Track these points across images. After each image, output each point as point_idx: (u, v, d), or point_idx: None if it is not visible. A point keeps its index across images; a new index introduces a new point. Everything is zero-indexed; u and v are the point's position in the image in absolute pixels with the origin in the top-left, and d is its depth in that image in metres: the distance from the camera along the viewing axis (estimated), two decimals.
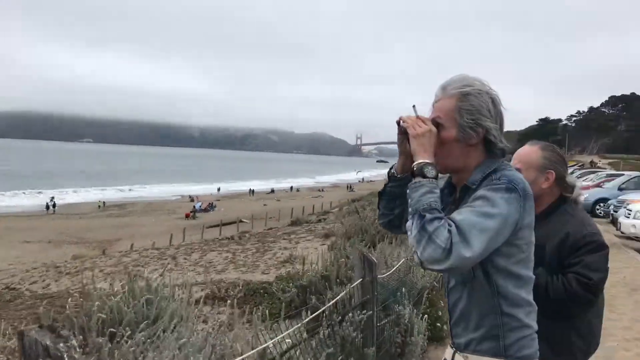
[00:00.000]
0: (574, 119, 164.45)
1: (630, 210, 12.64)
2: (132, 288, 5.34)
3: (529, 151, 2.59)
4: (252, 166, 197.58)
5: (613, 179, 24.10)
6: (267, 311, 5.30)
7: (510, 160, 2.45)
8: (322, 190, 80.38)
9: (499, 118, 1.85)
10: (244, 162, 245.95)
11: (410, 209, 1.71)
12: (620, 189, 20.74)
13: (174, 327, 4.88)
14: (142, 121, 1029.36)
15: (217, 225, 35.50)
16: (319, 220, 24.98)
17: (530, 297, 1.84)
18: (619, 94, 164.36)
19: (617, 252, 11.99)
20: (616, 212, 15.09)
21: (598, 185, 24.55)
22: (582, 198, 2.62)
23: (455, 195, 1.94)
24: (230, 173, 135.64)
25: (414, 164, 1.77)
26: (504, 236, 1.70)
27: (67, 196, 68.51)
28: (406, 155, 1.90)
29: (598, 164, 63.19)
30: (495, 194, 1.70)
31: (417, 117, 1.84)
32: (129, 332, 4.41)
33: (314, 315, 3.61)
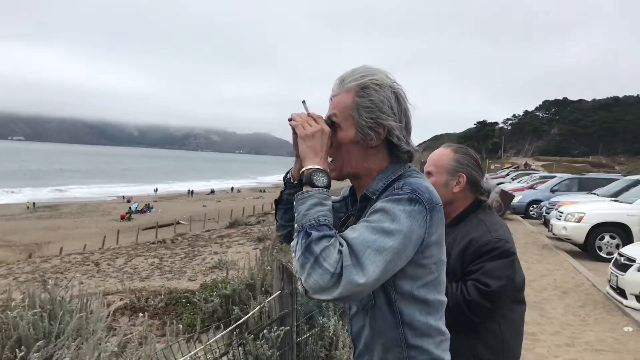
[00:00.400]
0: (510, 122, 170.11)
1: (562, 212, 12.80)
2: (32, 301, 4.88)
3: (441, 153, 2.42)
4: (192, 166, 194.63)
5: (546, 181, 24.67)
6: (180, 326, 4.95)
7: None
8: (264, 191, 79.67)
9: (403, 116, 1.58)
10: (184, 162, 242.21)
11: (295, 225, 1.42)
12: (552, 190, 21.21)
13: (77, 346, 4.45)
14: (77, 118, 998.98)
15: (153, 227, 34.48)
16: (258, 222, 24.54)
17: (442, 324, 1.58)
18: (552, 99, 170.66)
19: (548, 254, 12.15)
20: (548, 213, 15.33)
21: (532, 187, 25.11)
22: (495, 203, 2.40)
23: (357, 205, 1.66)
24: (169, 173, 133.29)
25: (302, 170, 1.49)
26: (407, 256, 1.43)
27: None
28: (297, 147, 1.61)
29: (532, 166, 65.23)
30: (395, 206, 1.42)
31: (308, 114, 1.56)
32: (23, 352, 3.98)
33: (224, 332, 3.27)
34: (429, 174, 2.38)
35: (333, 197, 1.87)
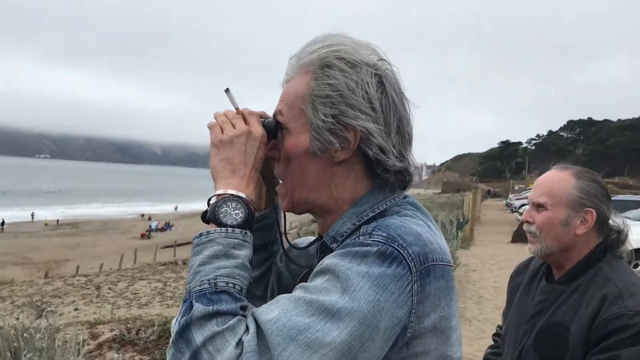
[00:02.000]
0: (533, 142, 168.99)
1: None
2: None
3: (559, 178, 1.70)
4: (212, 185, 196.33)
5: None
6: None
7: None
8: None
9: (391, 113, 0.94)
10: (206, 181, 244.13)
11: (187, 288, 0.87)
12: None
13: None
14: (102, 137, 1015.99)
15: (172, 246, 34.25)
16: None
17: None
18: (577, 119, 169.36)
19: None
20: None
21: None
22: (629, 249, 1.70)
23: (319, 255, 1.02)
24: (191, 191, 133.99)
25: (212, 195, 0.92)
26: (372, 356, 0.81)
27: (19, 213, 66.03)
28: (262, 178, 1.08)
29: None
30: (353, 266, 0.82)
31: (237, 110, 0.97)
32: None
33: None
34: (539, 206, 1.70)
35: (303, 240, 1.23)
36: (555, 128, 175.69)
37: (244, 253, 0.87)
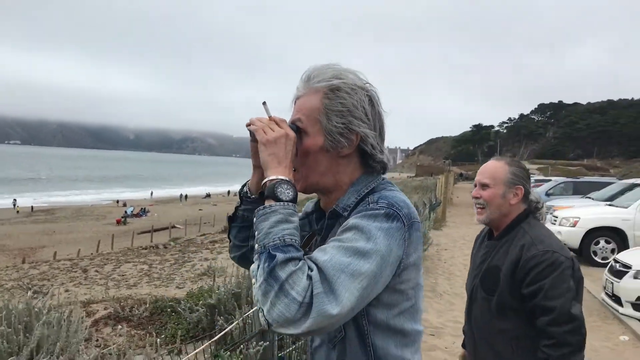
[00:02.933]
0: (505, 125, 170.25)
1: (556, 217, 12.69)
2: (8, 312, 4.72)
3: (497, 166, 2.41)
4: (189, 170, 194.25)
5: (541, 185, 24.54)
6: (157, 339, 4.79)
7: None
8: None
9: (378, 121, 1.41)
10: (181, 166, 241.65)
11: (256, 246, 1.21)
12: (547, 194, 21.06)
13: (56, 359, 4.30)
14: (74, 122, 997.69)
15: (149, 231, 34.31)
16: None
17: (418, 358, 1.41)
18: (548, 102, 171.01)
19: None
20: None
21: None
22: (542, 213, 2.41)
23: (323, 222, 1.48)
24: (166, 177, 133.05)
25: (264, 181, 1.29)
26: (384, 280, 1.25)
27: None
28: (262, 169, 1.42)
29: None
30: (370, 223, 1.24)
31: (270, 118, 1.37)
32: None
33: (197, 351, 3.13)
34: (484, 185, 2.38)
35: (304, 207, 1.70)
36: (526, 111, 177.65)
37: (296, 219, 1.26)
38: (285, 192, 1.25)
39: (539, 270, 2.09)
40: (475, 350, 2.37)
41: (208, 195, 77.73)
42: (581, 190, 19.72)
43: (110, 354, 4.33)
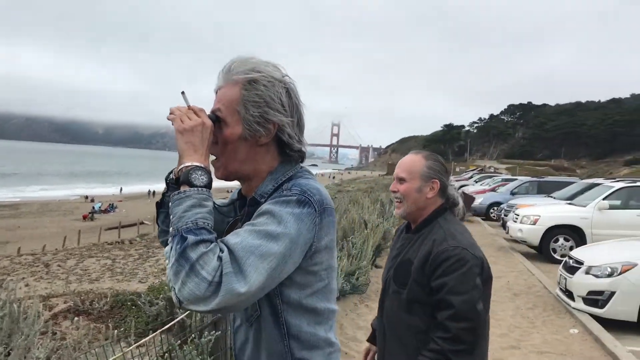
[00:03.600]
0: (476, 125, 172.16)
1: (518, 215, 12.97)
2: None
3: (413, 160, 2.39)
4: (159, 165, 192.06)
5: (507, 184, 25.00)
6: (115, 331, 4.82)
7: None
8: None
9: (295, 112, 1.48)
10: (151, 161, 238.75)
11: (171, 229, 1.29)
12: (512, 193, 21.48)
13: (9, 351, 4.30)
14: (41, 116, 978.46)
15: (116, 227, 33.89)
16: None
17: (332, 335, 1.50)
18: (517, 103, 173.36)
19: (504, 256, 12.31)
20: (506, 216, 15.52)
21: (493, 190, 25.43)
22: (459, 208, 2.41)
23: (245, 210, 1.55)
24: (135, 172, 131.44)
25: (180, 167, 1.36)
26: (294, 262, 1.33)
27: None
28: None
29: (485, 168, 66.93)
30: (282, 209, 1.33)
31: (188, 107, 1.43)
32: None
33: (146, 339, 3.18)
34: (401, 179, 2.36)
35: (221, 201, 1.74)
36: (496, 112, 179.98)
37: (210, 203, 1.33)
38: (200, 178, 1.32)
39: (447, 264, 2.09)
40: (385, 345, 2.34)
41: None
42: (545, 189, 20.14)
43: (66, 347, 4.36)
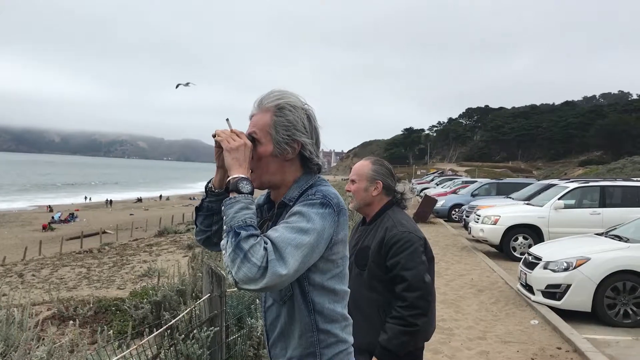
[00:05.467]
0: (435, 129, 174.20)
1: (479, 215, 13.55)
2: None
3: (362, 165, 2.93)
4: (118, 173, 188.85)
5: (467, 186, 25.74)
6: (110, 332, 5.05)
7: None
8: (194, 199, 78.20)
9: (314, 134, 1.86)
10: (110, 169, 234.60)
11: (224, 227, 1.64)
12: (473, 195, 22.19)
13: (4, 355, 4.50)
14: None
15: (78, 237, 33.41)
16: (188, 230, 24.33)
17: (346, 311, 1.88)
18: (475, 107, 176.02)
19: (467, 255, 12.84)
20: (468, 217, 16.11)
21: (454, 192, 26.15)
22: (409, 203, 2.96)
23: (274, 211, 1.92)
24: (95, 181, 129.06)
25: (229, 179, 1.71)
26: (320, 251, 1.70)
27: None
28: (224, 169, 1.85)
29: (445, 171, 68.39)
30: (310, 210, 1.69)
31: (232, 130, 1.79)
32: None
33: (156, 333, 3.46)
34: (352, 181, 2.89)
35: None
36: (455, 115, 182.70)
37: (254, 207, 1.69)
38: (245, 187, 1.68)
39: (398, 246, 2.63)
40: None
41: (139, 200, 76.05)
42: (504, 190, 20.88)
43: (63, 349, 4.57)
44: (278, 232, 1.64)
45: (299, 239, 1.62)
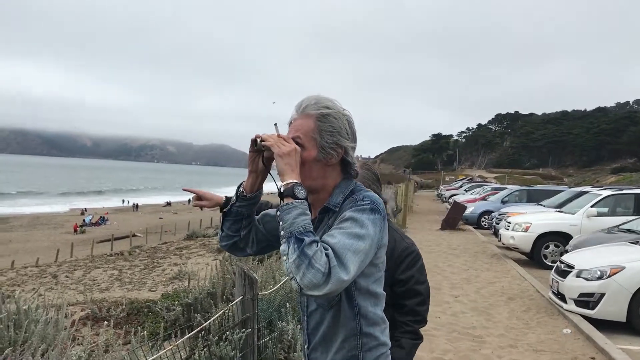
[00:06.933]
0: (464, 135, 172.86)
1: (510, 223, 13.39)
2: None
3: None
4: (148, 177, 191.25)
5: (497, 193, 25.47)
6: (145, 332, 5.13)
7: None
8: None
9: (354, 139, 1.87)
10: (140, 173, 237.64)
11: (283, 232, 1.63)
12: (503, 202, 21.96)
13: (43, 353, 4.61)
14: (28, 129, 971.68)
15: (109, 240, 33.96)
16: (216, 234, 24.49)
17: (383, 314, 1.88)
18: (505, 113, 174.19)
19: (497, 262, 12.70)
20: (498, 224, 15.93)
21: (483, 199, 25.90)
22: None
23: (314, 216, 1.90)
24: (128, 184, 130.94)
25: (283, 184, 1.71)
26: (371, 257, 1.71)
27: None
28: (257, 173, 1.87)
29: (474, 178, 67.82)
30: (362, 215, 1.69)
31: (279, 135, 1.79)
32: None
33: (190, 334, 3.51)
34: None
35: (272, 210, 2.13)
36: (484, 121, 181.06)
37: (309, 212, 1.69)
38: (301, 192, 1.68)
39: (410, 259, 2.59)
40: None
41: (168, 204, 76.97)
42: (534, 197, 20.63)
43: (98, 349, 4.65)
44: (336, 238, 1.64)
45: (356, 244, 1.63)
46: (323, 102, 1.85)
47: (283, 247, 1.62)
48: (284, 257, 1.61)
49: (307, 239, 1.59)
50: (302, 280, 1.55)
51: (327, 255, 1.58)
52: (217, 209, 2.53)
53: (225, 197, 2.56)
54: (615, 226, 8.51)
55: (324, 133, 1.81)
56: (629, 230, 8.33)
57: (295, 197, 1.67)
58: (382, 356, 1.85)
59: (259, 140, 1.81)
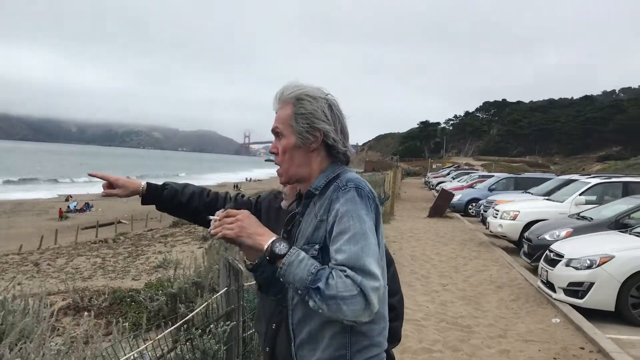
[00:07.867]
0: (451, 122, 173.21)
1: (497, 210, 13.34)
2: None
3: None
4: (134, 163, 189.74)
5: (484, 180, 25.47)
6: (126, 324, 4.98)
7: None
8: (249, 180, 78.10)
9: (337, 122, 1.78)
10: (126, 159, 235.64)
11: (299, 292, 1.59)
12: (490, 189, 21.92)
13: (20, 347, 4.44)
14: (11, 114, 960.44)
15: (93, 227, 33.63)
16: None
17: (385, 311, 1.74)
18: (492, 100, 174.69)
19: (485, 250, 12.66)
20: (485, 212, 15.89)
21: (471, 186, 25.90)
22: None
23: (302, 202, 1.82)
24: (112, 170, 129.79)
25: (262, 253, 1.66)
26: (378, 240, 1.64)
27: None
28: (240, 245, 1.76)
29: (461, 165, 68.13)
30: (353, 207, 1.61)
31: (221, 218, 1.72)
32: None
33: (172, 328, 3.37)
34: None
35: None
36: (471, 109, 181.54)
37: (302, 254, 1.60)
38: (281, 248, 1.62)
39: None
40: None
41: None
42: (522, 185, 20.62)
43: (78, 340, 4.50)
44: (343, 252, 1.56)
45: (364, 245, 1.57)
46: (298, 87, 1.79)
47: (311, 304, 1.56)
48: (320, 311, 1.55)
49: (321, 283, 1.53)
50: (348, 317, 1.51)
51: (347, 276, 1.51)
52: (136, 198, 2.32)
53: (147, 183, 2.38)
54: (627, 230, 8.54)
55: (298, 117, 1.74)
56: (584, 217, 9.05)
57: (280, 256, 1.61)
58: (374, 358, 1.71)
59: (210, 233, 1.75)
